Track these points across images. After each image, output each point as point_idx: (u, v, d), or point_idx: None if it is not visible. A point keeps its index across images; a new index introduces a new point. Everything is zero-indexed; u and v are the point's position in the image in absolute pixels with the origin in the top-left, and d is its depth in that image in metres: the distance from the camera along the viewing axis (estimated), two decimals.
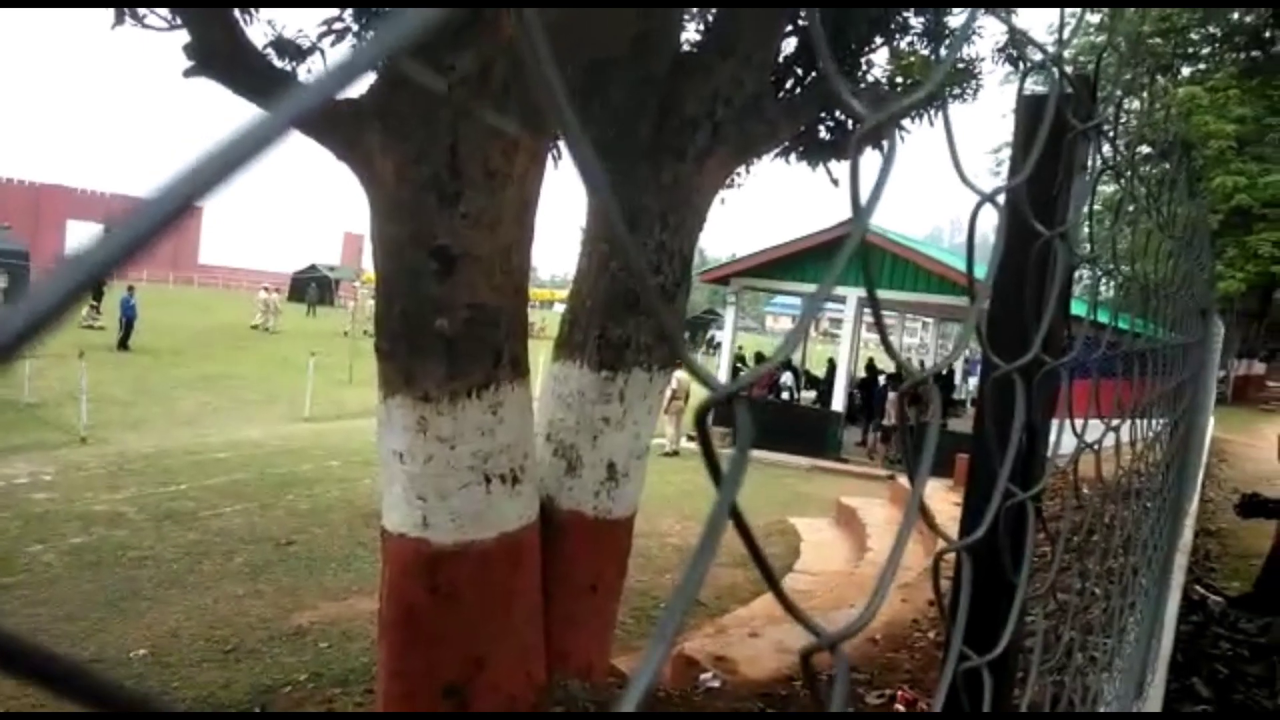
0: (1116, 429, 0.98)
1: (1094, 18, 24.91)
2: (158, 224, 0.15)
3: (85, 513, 8.50)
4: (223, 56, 3.25)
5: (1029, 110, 0.62)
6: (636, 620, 6.53)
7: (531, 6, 0.22)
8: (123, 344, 21.53)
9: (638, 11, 3.50)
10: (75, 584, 6.73)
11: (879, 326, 0.39)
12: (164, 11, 3.69)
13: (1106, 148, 0.77)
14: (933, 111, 5.54)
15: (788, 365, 17.75)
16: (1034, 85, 0.64)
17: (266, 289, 30.51)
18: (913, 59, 4.99)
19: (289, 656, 5.81)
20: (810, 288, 16.37)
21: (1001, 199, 0.47)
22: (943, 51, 5.01)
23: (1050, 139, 0.59)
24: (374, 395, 3.45)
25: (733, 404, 0.23)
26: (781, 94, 4.78)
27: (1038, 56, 0.58)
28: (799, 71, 4.81)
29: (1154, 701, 3.25)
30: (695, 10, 4.72)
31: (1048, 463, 0.67)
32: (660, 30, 3.90)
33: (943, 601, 0.50)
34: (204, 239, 67.41)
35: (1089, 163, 0.70)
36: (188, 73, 3.28)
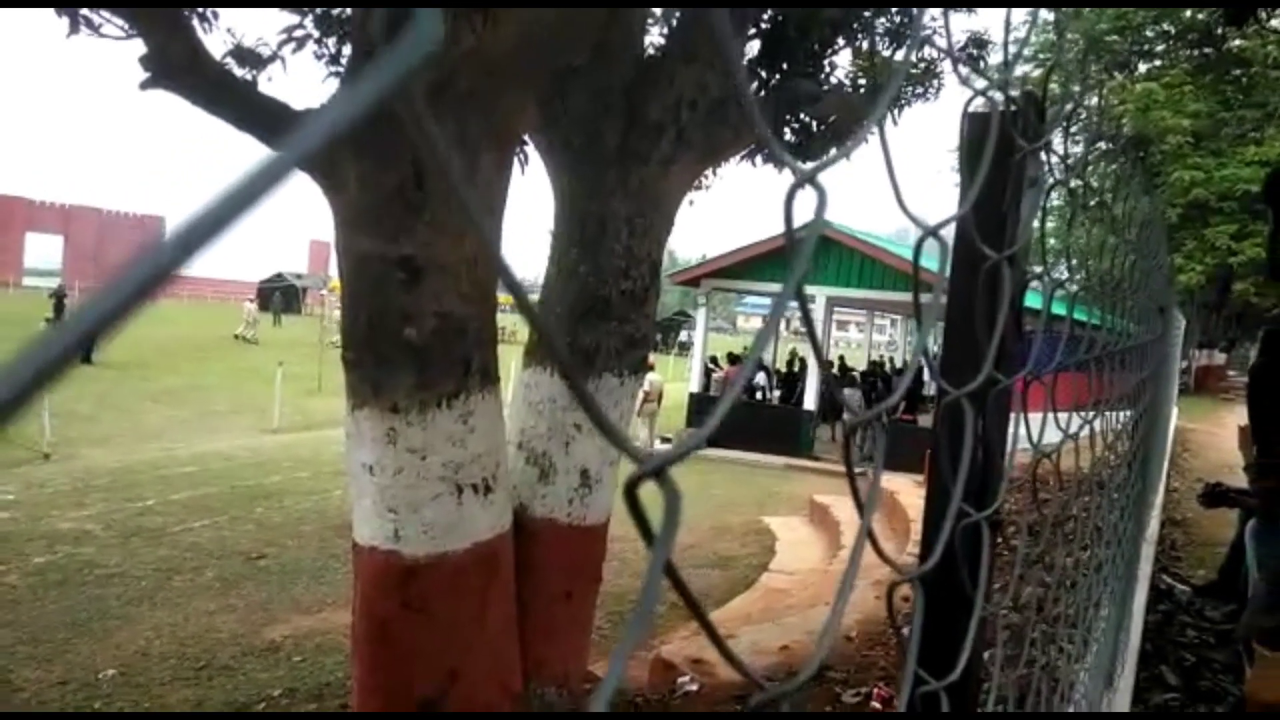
0: (1075, 436, 0.99)
1: (1052, 15, 25.22)
2: (146, 287, 0.15)
3: (50, 531, 8.33)
4: (180, 67, 3.20)
5: (975, 129, 0.62)
6: (613, 625, 6.53)
7: (520, 7, 0.22)
8: (86, 358, 21.12)
9: (599, 19, 3.50)
10: (40, 605, 6.60)
11: (809, 328, 0.39)
12: (120, 20, 3.63)
13: (1056, 162, 0.78)
14: (896, 112, 5.60)
15: (760, 365, 17.85)
16: (981, 104, 0.64)
17: (251, 300, 30.63)
18: (875, 60, 5.04)
19: (262, 672, 5.74)
20: (778, 287, 16.37)
21: (945, 230, 0.48)
22: (900, 54, 5.05)
23: (997, 159, 0.59)
24: (343, 405, 3.41)
25: (662, 479, 0.23)
26: None
27: (982, 83, 0.59)
28: (763, 75, 4.84)
29: (1123, 691, 3.30)
30: (658, 16, 4.73)
31: (1003, 481, 0.68)
32: (622, 37, 3.90)
33: (899, 626, 0.50)
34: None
35: (1038, 178, 0.71)
36: (144, 84, 3.23)
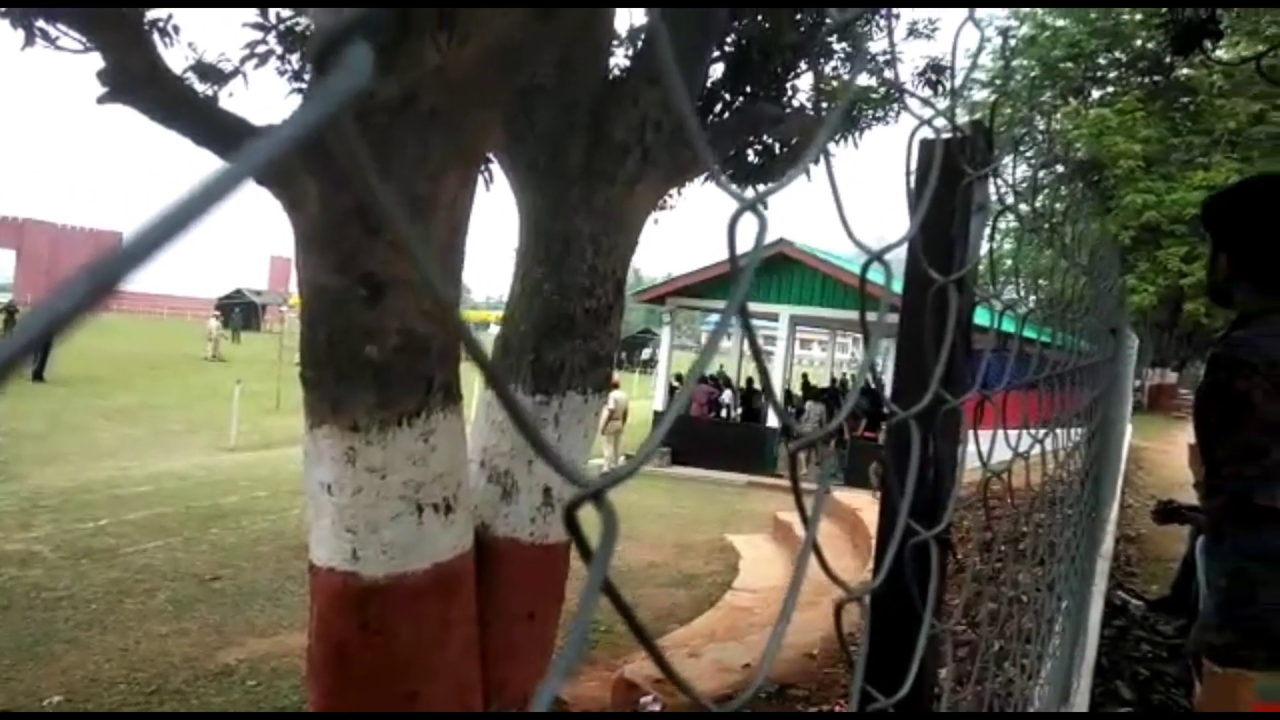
0: (1026, 455, 1.01)
1: (1009, 41, 25.86)
2: (94, 296, 0.15)
3: None
4: (138, 82, 3.16)
5: (924, 155, 0.64)
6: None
7: (504, 6, 0.22)
8: (38, 375, 20.63)
9: (564, 37, 3.52)
10: None
11: (754, 348, 0.40)
12: (77, 33, 3.58)
13: (1004, 188, 0.80)
14: (857, 135, 5.70)
15: (727, 383, 17.93)
16: (932, 130, 0.66)
17: (215, 317, 30.33)
18: (835, 83, 5.12)
19: (216, 696, 5.61)
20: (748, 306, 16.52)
21: (890, 255, 0.49)
22: (861, 79, 5.15)
23: (946, 185, 0.61)
24: (302, 423, 3.37)
25: (599, 499, 0.23)
26: (710, 118, 4.85)
27: (925, 111, 0.61)
28: (726, 97, 4.89)
29: (1079, 706, 3.34)
30: (623, 36, 4.78)
31: (952, 499, 0.69)
32: (588, 56, 3.92)
33: (848, 644, 0.50)
34: None
35: (985, 203, 0.73)
36: (102, 99, 3.18)
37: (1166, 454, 14.45)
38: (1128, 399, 7.90)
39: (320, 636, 3.34)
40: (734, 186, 0.30)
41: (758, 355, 0.40)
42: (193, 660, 6.12)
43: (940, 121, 0.67)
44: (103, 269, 0.14)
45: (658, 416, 16.62)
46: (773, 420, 15.79)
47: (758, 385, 18.34)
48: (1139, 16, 22.94)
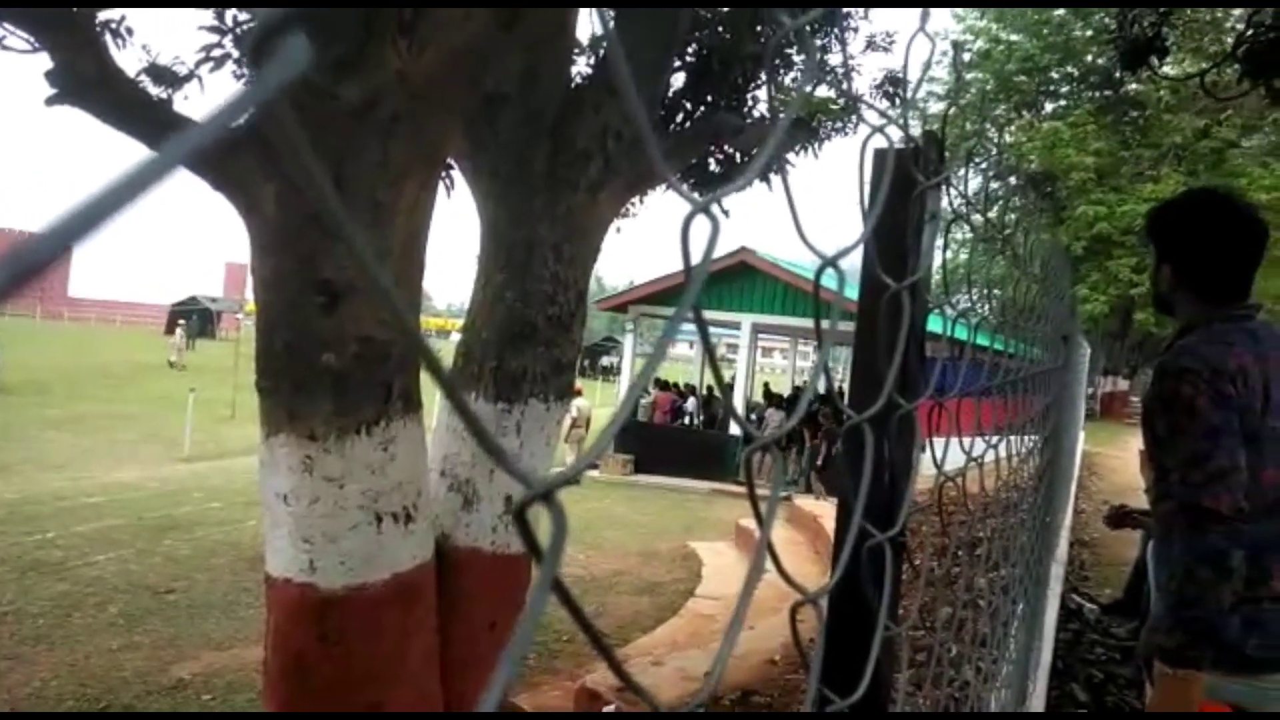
0: (979, 460, 1.03)
1: (964, 56, 26.32)
2: (22, 274, 0.15)
3: None
4: (89, 84, 3.09)
5: (877, 165, 0.65)
6: (539, 656, 6.44)
7: (486, 6, 0.22)
8: None
9: (525, 44, 3.52)
10: None
11: (708, 352, 0.40)
12: (25, 34, 3.50)
13: (957, 198, 0.82)
14: (817, 145, 5.76)
15: (691, 391, 17.99)
16: (886, 141, 0.67)
17: (182, 325, 30.03)
18: (793, 94, 5.17)
19: (169, 711, 5.49)
20: (707, 314, 16.64)
21: (845, 261, 0.50)
22: (821, 90, 5.21)
23: (899, 194, 0.62)
24: (258, 432, 3.31)
25: (550, 501, 0.23)
26: (672, 128, 4.87)
27: (878, 119, 0.62)
28: (688, 106, 4.92)
29: (1036, 709, 3.40)
30: (584, 45, 4.78)
31: (907, 502, 0.70)
32: (550, 65, 3.92)
33: (803, 647, 0.51)
34: (74, 271, 63.75)
35: (936, 212, 0.74)
36: (50, 100, 3.11)
37: (1119, 460, 14.77)
38: (1080, 406, 8.06)
39: (277, 649, 3.28)
40: (688, 191, 0.30)
41: (713, 360, 0.40)
42: (144, 675, 5.97)
43: (896, 132, 0.68)
44: (23, 257, 0.14)
45: (623, 426, 16.62)
46: (735, 428, 15.87)
47: (717, 395, 18.44)
48: (1089, 32, 23.53)
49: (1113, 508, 4.59)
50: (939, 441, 0.96)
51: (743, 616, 0.35)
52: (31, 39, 3.50)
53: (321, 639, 3.16)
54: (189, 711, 5.40)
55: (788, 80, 5.38)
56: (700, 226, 0.30)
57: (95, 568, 8.18)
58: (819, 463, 14.37)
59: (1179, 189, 19.89)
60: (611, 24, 4.42)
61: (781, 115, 0.40)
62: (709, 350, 0.39)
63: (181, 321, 31.36)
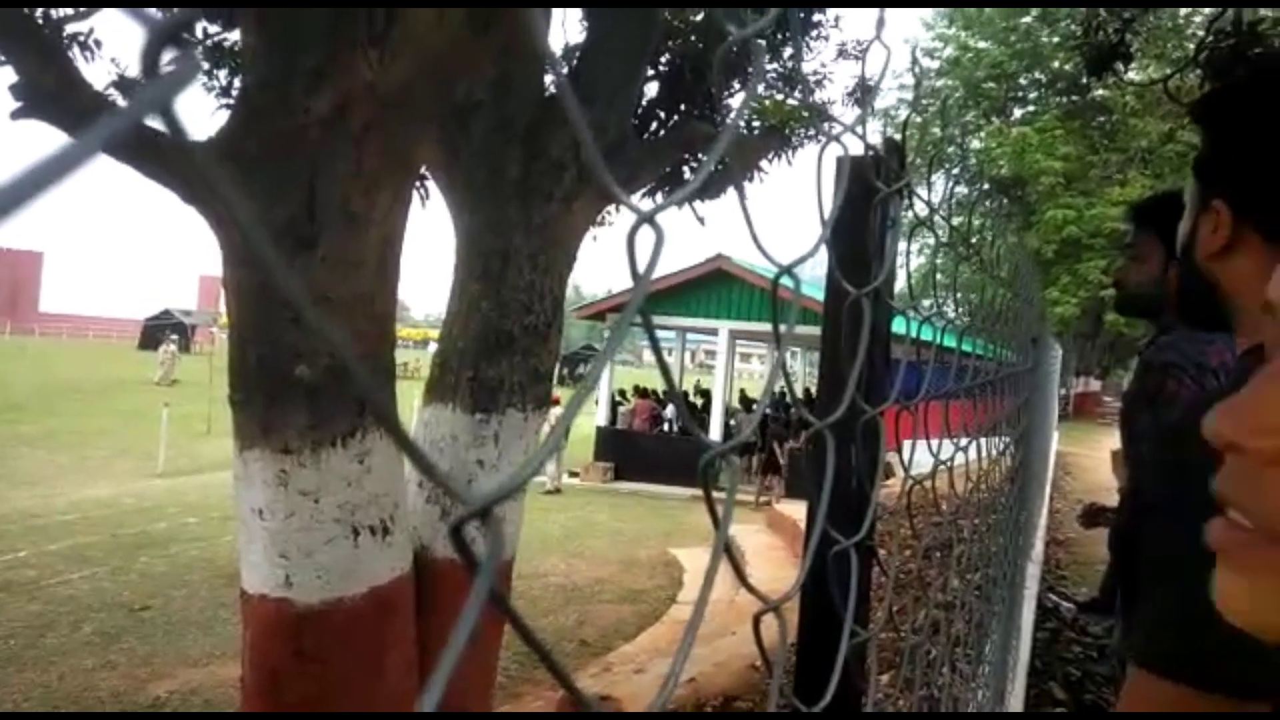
0: (948, 463, 1.04)
1: (933, 63, 26.63)
2: None
3: None
4: (54, 97, 3.06)
5: (837, 170, 0.66)
6: (520, 665, 6.41)
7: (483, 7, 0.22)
8: None
9: (495, 52, 3.52)
10: None
11: (657, 356, 0.41)
12: None
13: (920, 205, 0.83)
14: (790, 153, 5.80)
15: (671, 399, 18.00)
16: (851, 148, 0.68)
17: (173, 339, 29.86)
18: (768, 103, 5.21)
19: None
20: (682, 321, 16.74)
21: (801, 270, 0.50)
22: (792, 99, 5.25)
23: (860, 202, 0.63)
24: (232, 446, 3.28)
25: (486, 518, 0.23)
26: (645, 136, 4.88)
27: (836, 128, 0.63)
28: (661, 115, 4.94)
29: (1015, 708, 3.42)
30: (558, 55, 4.79)
31: (874, 506, 0.71)
32: (522, 73, 3.93)
33: (767, 655, 0.51)
34: (45, 286, 62.86)
35: (897, 218, 0.75)
36: (15, 114, 3.08)
37: (1092, 459, 14.93)
38: (1052, 407, 8.15)
39: (254, 666, 3.24)
40: (635, 201, 0.31)
41: (661, 362, 0.40)
42: (120, 694, 5.89)
43: (866, 127, 0.69)
44: None
45: (599, 432, 16.60)
46: (715, 433, 15.90)
47: (695, 400, 18.47)
48: (1056, 39, 23.87)
49: (1086, 506, 4.64)
50: (908, 444, 0.97)
51: (697, 623, 0.35)
52: None
53: (298, 654, 3.13)
54: (189, 712, 5.32)
55: (760, 89, 5.42)
56: (646, 236, 0.31)
57: (69, 586, 8.05)
58: (763, 467, 14.41)
59: (1146, 192, 20.18)
60: (582, 35, 4.42)
61: (730, 124, 0.40)
62: (658, 354, 0.39)
63: (174, 337, 31.17)
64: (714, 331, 16.62)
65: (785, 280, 0.50)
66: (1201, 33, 6.68)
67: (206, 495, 12.06)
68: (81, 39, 4.78)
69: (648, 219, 0.31)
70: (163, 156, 3.14)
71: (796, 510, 10.83)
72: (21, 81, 3.02)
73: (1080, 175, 24.09)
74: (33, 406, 20.14)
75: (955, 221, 1.19)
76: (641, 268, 0.31)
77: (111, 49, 4.96)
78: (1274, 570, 0.36)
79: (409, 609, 3.48)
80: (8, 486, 12.81)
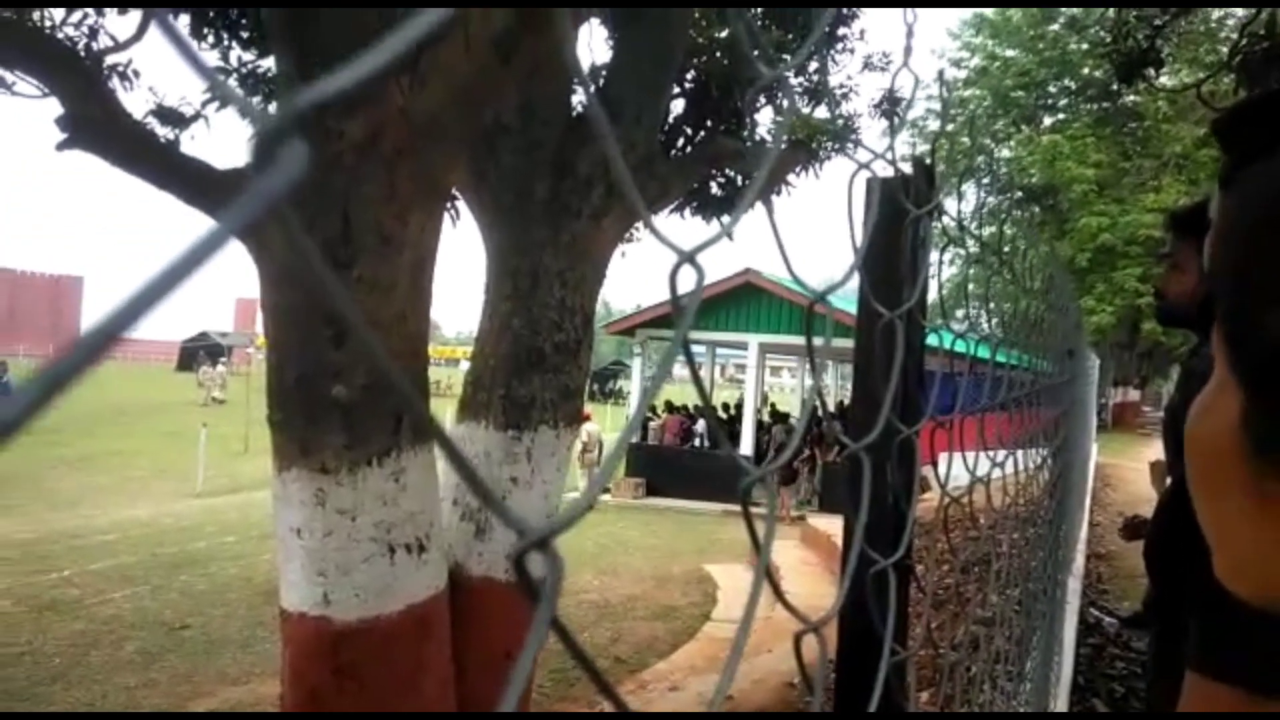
0: (985, 479, 1.04)
1: (960, 73, 26.49)
2: (87, 358, 0.16)
3: None
4: (97, 127, 3.15)
5: (868, 195, 0.67)
6: (555, 683, 6.41)
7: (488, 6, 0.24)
8: None
9: (524, 76, 3.56)
10: None
11: (696, 382, 0.42)
12: (34, 80, 3.57)
13: (950, 220, 0.84)
14: (817, 167, 5.80)
15: (701, 414, 17.98)
16: (880, 168, 0.68)
17: (225, 363, 30.85)
18: (794, 118, 5.22)
19: None
20: (712, 335, 16.72)
21: (834, 296, 0.51)
22: (821, 111, 5.25)
23: (889, 223, 0.63)
24: (270, 466, 3.33)
25: (545, 549, 0.24)
26: (673, 153, 4.91)
27: (865, 156, 0.63)
28: (688, 131, 4.96)
29: None
30: (584, 75, 4.85)
31: (912, 525, 0.71)
32: (550, 94, 3.97)
33: (807, 674, 0.52)
34: (85, 309, 64.28)
35: (928, 239, 0.75)
36: (61, 145, 3.17)
37: (1134, 471, 14.66)
38: (1091, 418, 8.03)
39: (293, 684, 3.28)
40: (689, 237, 0.32)
41: (698, 383, 0.41)
42: (162, 711, 5.97)
43: (879, 165, 0.70)
44: (91, 340, 0.16)
45: (631, 448, 16.60)
46: (746, 448, 15.83)
47: (724, 415, 18.41)
48: (1085, 46, 23.66)
49: (1128, 519, 4.56)
50: (944, 458, 0.97)
51: (742, 645, 0.36)
52: (40, 84, 3.57)
53: (336, 672, 3.16)
54: (189, 712, 5.37)
55: (785, 104, 5.42)
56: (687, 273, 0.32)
57: (111, 605, 8.18)
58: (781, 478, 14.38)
59: (1181, 198, 19.84)
60: (609, 54, 4.46)
61: (772, 146, 0.41)
62: (697, 381, 0.40)
63: (222, 359, 32.33)
64: (743, 345, 16.57)
65: (812, 308, 0.51)
66: (1235, 36, 6.59)
67: (244, 514, 12.23)
68: (121, 69, 4.91)
69: (689, 259, 0.32)
70: (202, 183, 3.21)
71: (830, 525, 10.74)
72: (67, 113, 3.12)
73: (1113, 182, 23.79)
74: (72, 429, 20.55)
75: (986, 233, 1.19)
76: (676, 287, 0.32)
77: (149, 78, 5.09)
78: None
79: (445, 627, 3.50)
80: (49, 508, 13.07)
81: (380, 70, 0.20)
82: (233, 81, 5.30)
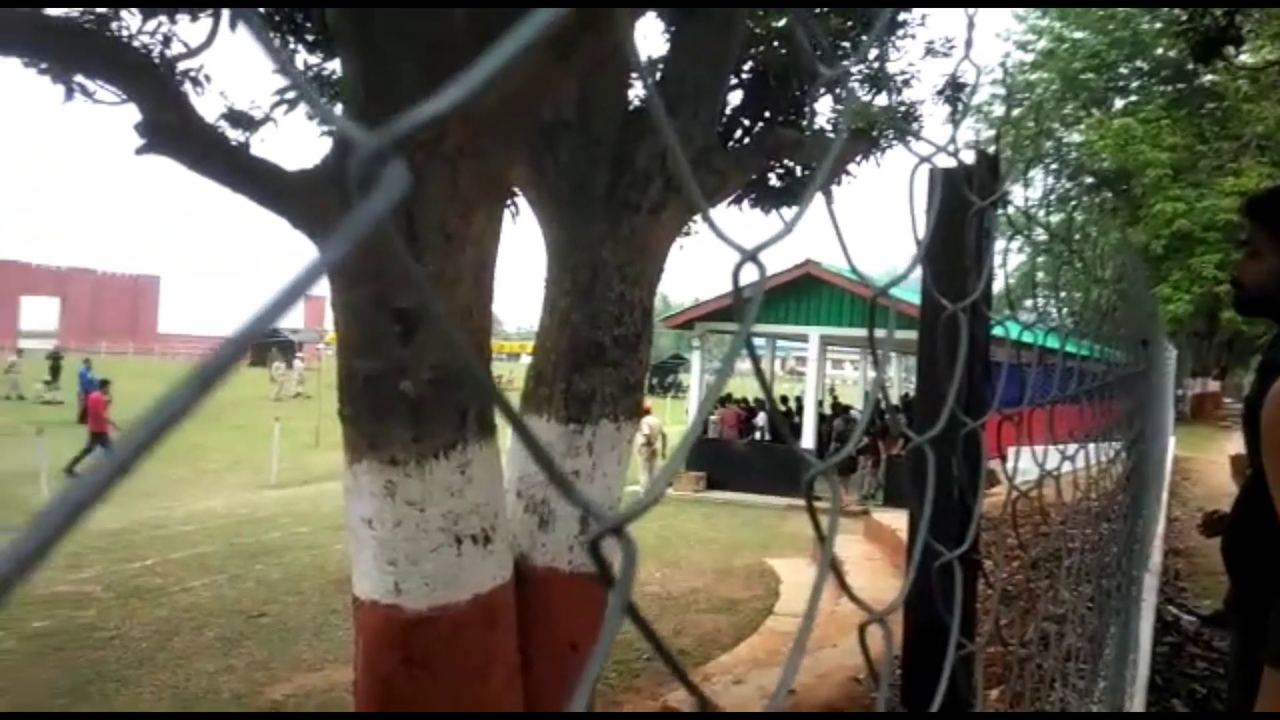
0: (1054, 473, 1.02)
1: (1027, 56, 25.74)
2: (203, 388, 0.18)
3: (48, 595, 8.25)
4: (173, 132, 3.26)
5: (929, 186, 0.66)
6: (619, 674, 6.46)
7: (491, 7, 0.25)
8: (83, 418, 21.10)
9: (582, 73, 3.58)
10: (38, 671, 6.52)
11: (760, 379, 0.42)
12: (114, 88, 3.71)
13: (1015, 209, 0.82)
14: (878, 155, 5.72)
15: (761, 407, 17.88)
16: (942, 159, 0.68)
17: (303, 359, 31.90)
18: (854, 107, 5.14)
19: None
20: (772, 328, 16.58)
21: (896, 289, 0.51)
22: (882, 99, 5.17)
23: (951, 215, 0.63)
24: (341, 458, 3.42)
25: (620, 535, 0.26)
26: (730, 145, 4.89)
27: (927, 149, 0.63)
28: (745, 123, 4.93)
29: None
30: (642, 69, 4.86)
31: (978, 518, 0.70)
32: (608, 90, 3.99)
33: (873, 665, 0.52)
34: (162, 308, 66.63)
35: (991, 230, 0.74)
36: (140, 150, 3.29)
37: (1214, 464, 14.12)
38: (1168, 410, 7.76)
39: (366, 672, 3.37)
40: (748, 229, 0.33)
41: (763, 382, 0.42)
42: (241, 697, 6.18)
43: (957, 141, 0.69)
44: (206, 372, 0.17)
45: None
46: (807, 441, 15.68)
47: (784, 407, 18.28)
48: (1158, 25, 22.79)
49: (1207, 514, 4.40)
50: (1012, 452, 0.96)
51: (805, 640, 0.37)
52: (119, 92, 3.72)
53: (407, 661, 3.23)
54: (187, 712, 5.54)
55: (845, 94, 5.35)
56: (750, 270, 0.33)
57: (191, 593, 8.51)
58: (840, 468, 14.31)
59: (1263, 181, 19.00)
60: (666, 47, 4.46)
61: (837, 137, 0.42)
62: (760, 377, 0.41)
63: (299, 355, 33.72)
64: (804, 338, 16.41)
65: (875, 303, 0.51)
66: None
67: (317, 505, 12.57)
68: (193, 75, 5.07)
69: (751, 256, 0.33)
70: (272, 185, 3.31)
71: (894, 520, 10.59)
72: (145, 120, 3.24)
73: (1189, 166, 22.89)
74: None
75: (1055, 220, 1.16)
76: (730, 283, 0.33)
77: (219, 83, 5.25)
78: None
79: (511, 618, 3.56)
80: (133, 499, 13.61)
81: (485, 84, 0.21)
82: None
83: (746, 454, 15.80)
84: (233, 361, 0.18)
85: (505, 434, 3.96)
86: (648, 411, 13.29)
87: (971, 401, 0.66)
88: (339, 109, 5.13)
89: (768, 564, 10.37)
